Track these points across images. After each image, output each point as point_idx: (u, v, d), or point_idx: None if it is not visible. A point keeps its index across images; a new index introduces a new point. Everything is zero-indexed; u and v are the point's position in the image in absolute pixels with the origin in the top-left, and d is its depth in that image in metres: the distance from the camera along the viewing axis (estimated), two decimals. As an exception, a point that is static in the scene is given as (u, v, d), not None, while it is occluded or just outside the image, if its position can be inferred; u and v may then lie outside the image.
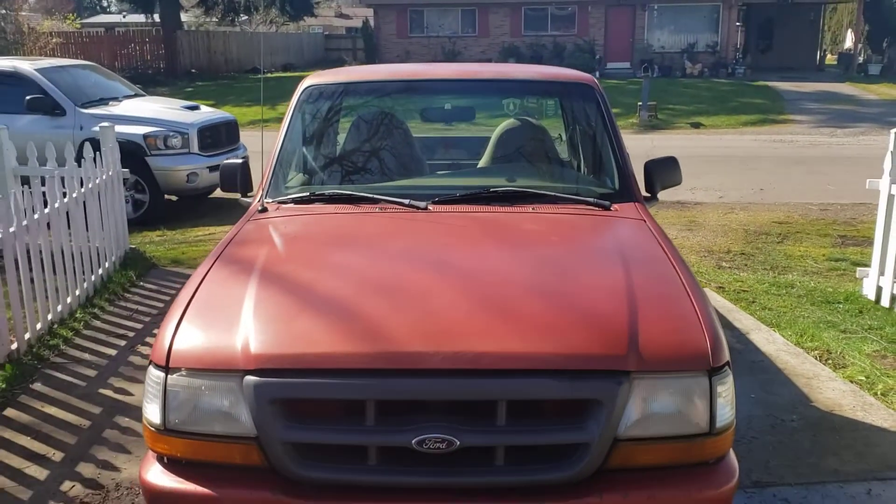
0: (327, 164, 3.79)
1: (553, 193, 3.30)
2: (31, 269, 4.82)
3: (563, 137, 4.25)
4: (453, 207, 3.17)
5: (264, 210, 3.28)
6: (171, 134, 9.15)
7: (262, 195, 3.43)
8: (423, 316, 2.31)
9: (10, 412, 4.00)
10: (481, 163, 3.89)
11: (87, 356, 4.73)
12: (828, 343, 4.87)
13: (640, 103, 18.45)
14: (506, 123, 3.97)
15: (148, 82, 23.19)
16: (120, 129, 8.80)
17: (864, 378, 4.37)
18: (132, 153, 8.67)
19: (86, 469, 3.49)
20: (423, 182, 3.62)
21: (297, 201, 3.33)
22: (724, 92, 23.84)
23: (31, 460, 3.56)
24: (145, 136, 9.03)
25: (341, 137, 3.91)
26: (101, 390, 4.26)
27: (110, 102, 9.80)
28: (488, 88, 4.04)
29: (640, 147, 14.65)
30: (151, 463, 2.28)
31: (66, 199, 5.45)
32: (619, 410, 2.13)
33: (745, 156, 13.81)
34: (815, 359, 4.67)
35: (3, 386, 4.24)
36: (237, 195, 3.71)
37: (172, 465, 2.25)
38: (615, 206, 3.25)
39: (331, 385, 2.13)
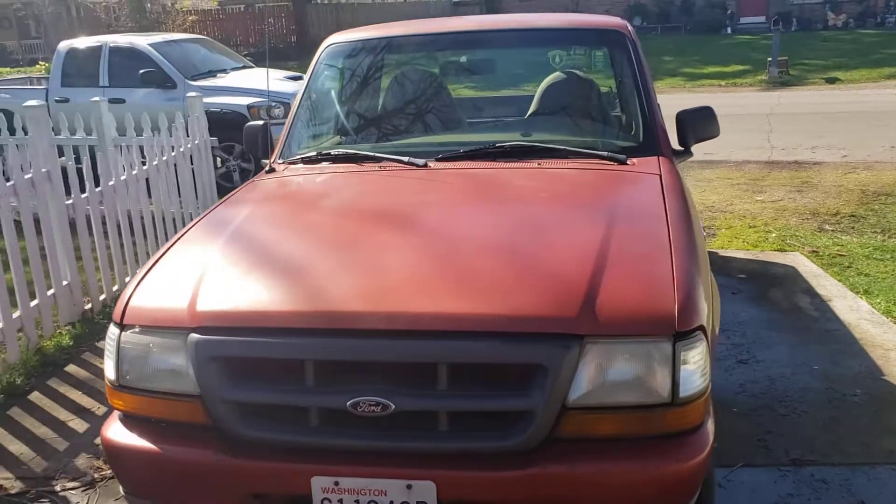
0: (345, 123, 3.73)
1: (563, 147, 3.10)
2: (106, 234, 5.05)
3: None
4: (454, 164, 3.04)
5: (272, 171, 3.27)
6: (274, 104, 9.35)
7: (276, 156, 3.42)
8: (369, 276, 2.22)
9: (70, 368, 4.22)
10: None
11: (154, 316, 4.91)
12: (922, 313, 4.41)
13: (769, 59, 17.31)
14: (550, 77, 3.78)
15: (278, 56, 23.79)
16: (226, 99, 9.15)
17: (953, 351, 3.93)
18: (237, 123, 8.95)
19: (123, 423, 3.63)
20: (434, 139, 3.47)
21: (305, 161, 3.29)
22: (869, 43, 21.98)
23: (76, 414, 3.74)
24: (249, 107, 9.26)
25: (363, 96, 3.83)
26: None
27: (218, 74, 10.12)
28: (513, 39, 3.84)
29: (764, 104, 13.76)
30: (113, 419, 2.32)
31: (145, 167, 5.66)
32: (567, 376, 1.96)
33: (881, 111, 12.67)
34: (902, 329, 4.23)
35: (71, 343, 4.49)
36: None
37: (130, 421, 2.28)
38: (634, 159, 3.02)
39: (268, 344, 2.08)
